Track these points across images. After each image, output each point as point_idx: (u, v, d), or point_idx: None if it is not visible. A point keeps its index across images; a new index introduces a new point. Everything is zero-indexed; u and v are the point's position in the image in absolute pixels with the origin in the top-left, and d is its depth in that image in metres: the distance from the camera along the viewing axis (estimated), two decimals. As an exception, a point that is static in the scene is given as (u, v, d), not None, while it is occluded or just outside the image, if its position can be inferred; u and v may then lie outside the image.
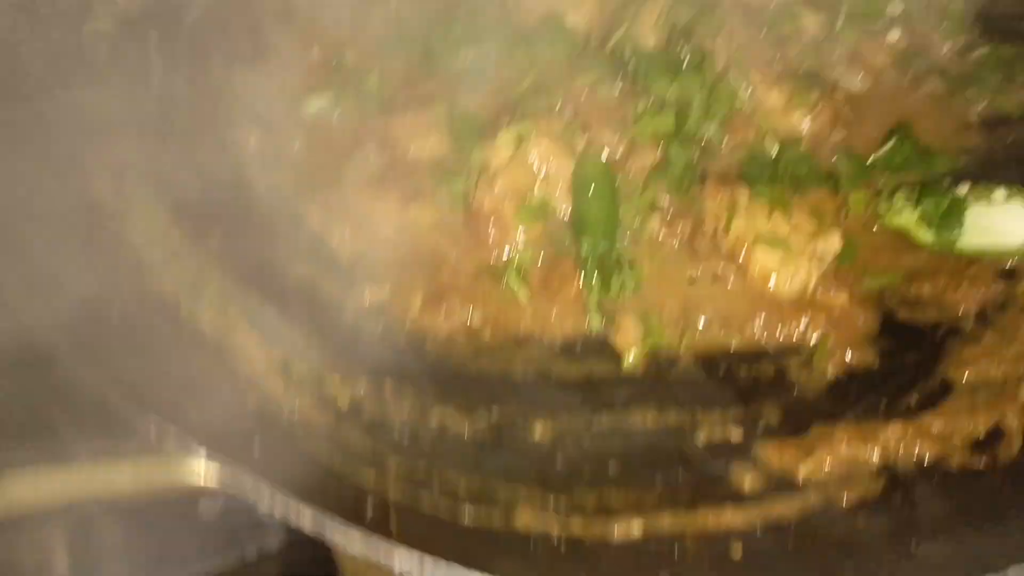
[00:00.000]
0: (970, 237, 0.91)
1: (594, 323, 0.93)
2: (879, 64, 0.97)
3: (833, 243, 0.90)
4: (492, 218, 0.94)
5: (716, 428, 0.85)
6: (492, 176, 0.93)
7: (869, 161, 0.97)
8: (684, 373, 0.90)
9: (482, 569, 0.67)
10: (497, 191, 0.93)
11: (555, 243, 0.95)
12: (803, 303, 0.92)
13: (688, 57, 0.93)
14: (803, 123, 0.95)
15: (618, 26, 0.96)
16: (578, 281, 0.93)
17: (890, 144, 0.97)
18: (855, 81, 0.98)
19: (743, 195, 0.90)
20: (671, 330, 0.92)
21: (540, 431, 0.84)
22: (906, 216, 0.93)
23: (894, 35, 0.98)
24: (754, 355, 0.91)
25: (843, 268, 0.93)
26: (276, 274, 0.91)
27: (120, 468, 0.69)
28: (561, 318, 0.93)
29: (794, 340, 0.91)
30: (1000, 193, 0.93)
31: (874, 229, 0.96)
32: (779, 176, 0.93)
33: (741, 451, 0.83)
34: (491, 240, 0.94)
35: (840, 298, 0.93)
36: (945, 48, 1.02)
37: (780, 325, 0.92)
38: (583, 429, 0.85)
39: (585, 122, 0.95)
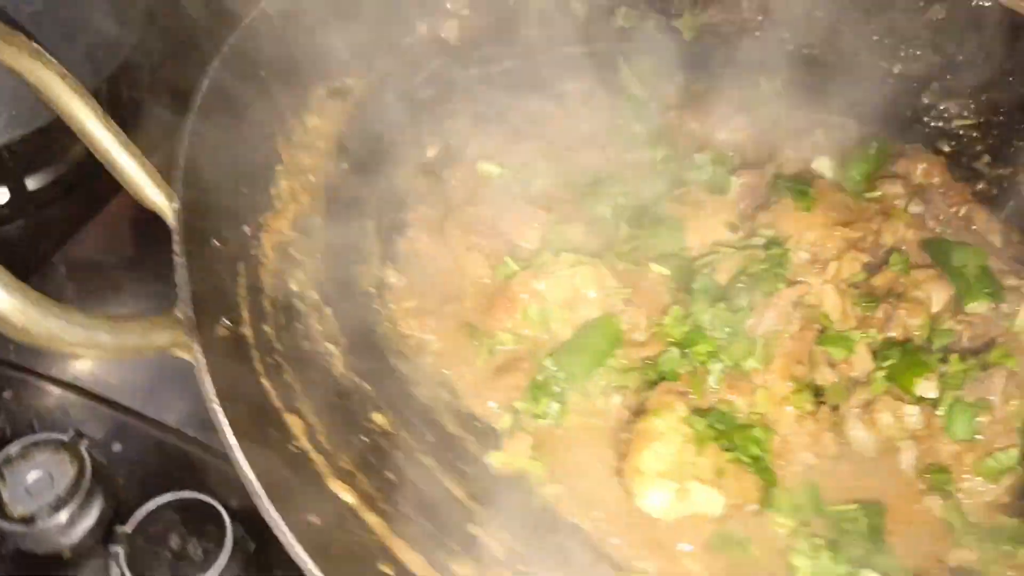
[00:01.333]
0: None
1: (504, 422, 1.00)
2: (887, 430, 0.96)
3: (715, 501, 0.89)
4: (511, 299, 1.07)
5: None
6: (536, 275, 1.07)
7: (826, 509, 0.94)
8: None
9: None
10: (529, 286, 1.07)
11: (531, 349, 1.05)
12: (660, 544, 0.91)
13: (735, 302, 1.01)
14: (788, 424, 0.96)
15: (711, 253, 1.08)
16: (521, 384, 1.01)
17: (852, 510, 0.93)
18: (860, 435, 0.96)
19: (683, 409, 0.93)
20: (547, 472, 0.95)
21: (379, 420, 0.93)
22: (809, 562, 0.88)
23: (912, 412, 0.96)
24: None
25: (722, 552, 0.90)
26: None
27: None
28: (488, 397, 1.02)
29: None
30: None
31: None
32: (729, 440, 0.94)
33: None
34: (497, 312, 1.07)
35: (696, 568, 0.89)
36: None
37: (636, 544, 0.91)
38: (408, 449, 0.92)
39: (630, 298, 1.06)
